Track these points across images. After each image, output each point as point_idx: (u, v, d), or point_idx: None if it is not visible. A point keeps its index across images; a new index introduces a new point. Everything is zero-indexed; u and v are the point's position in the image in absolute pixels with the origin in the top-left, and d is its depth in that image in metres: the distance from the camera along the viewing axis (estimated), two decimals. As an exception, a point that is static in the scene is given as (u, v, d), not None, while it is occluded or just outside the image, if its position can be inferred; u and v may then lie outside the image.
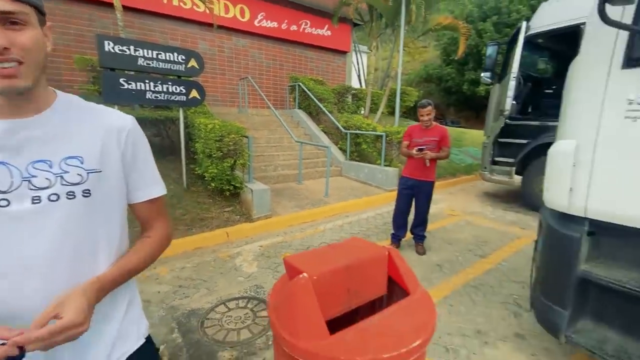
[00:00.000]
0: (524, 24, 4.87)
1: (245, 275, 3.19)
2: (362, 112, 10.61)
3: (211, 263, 3.46)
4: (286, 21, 10.09)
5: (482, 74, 5.72)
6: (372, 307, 1.37)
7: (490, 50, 5.55)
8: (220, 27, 8.76)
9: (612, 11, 1.32)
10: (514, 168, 5.47)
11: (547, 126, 4.99)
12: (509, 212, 5.46)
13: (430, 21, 8.58)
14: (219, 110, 8.34)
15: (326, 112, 8.00)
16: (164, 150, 5.74)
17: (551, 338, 2.24)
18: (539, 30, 4.88)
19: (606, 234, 1.61)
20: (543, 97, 6.12)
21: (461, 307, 2.65)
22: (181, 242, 3.73)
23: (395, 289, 1.28)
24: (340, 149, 7.87)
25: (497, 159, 5.75)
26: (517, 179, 5.57)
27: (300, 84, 8.76)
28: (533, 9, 18.42)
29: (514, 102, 5.00)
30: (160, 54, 4.39)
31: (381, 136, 6.65)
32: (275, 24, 9.96)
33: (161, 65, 4.42)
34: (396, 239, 3.77)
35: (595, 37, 1.49)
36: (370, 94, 10.11)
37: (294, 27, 10.26)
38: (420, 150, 3.36)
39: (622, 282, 1.51)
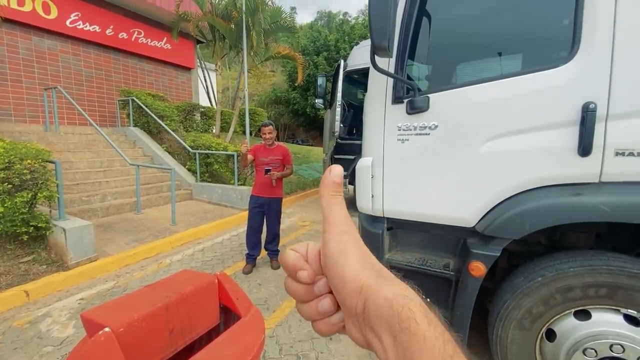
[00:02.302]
0: (341, 62, 5.92)
1: (55, 342, 2.45)
2: (214, 131, 10.26)
3: (-4, 339, 2.50)
4: (112, 27, 8.71)
5: (316, 100, 6.57)
6: (209, 339, 1.30)
7: (320, 81, 6.46)
8: (8, 20, 6.74)
9: (381, 61, 1.77)
10: (347, 179, 6.46)
11: (367, 144, 6.18)
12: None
13: (271, 49, 9.25)
14: (12, 128, 6.33)
15: (169, 130, 7.30)
16: None
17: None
18: (353, 68, 6.04)
19: (398, 227, 2.10)
20: (360, 121, 7.58)
21: (311, 312, 2.86)
22: None
23: (231, 315, 1.26)
24: (190, 170, 7.32)
25: (335, 172, 6.66)
26: (351, 188, 6.61)
27: (135, 98, 7.69)
28: (352, 47, 22.80)
29: (341, 125, 5.96)
30: None
31: (232, 155, 6.59)
32: (96, 28, 8.44)
33: None
34: (251, 258, 3.75)
35: (375, 79, 1.97)
36: (219, 112, 9.90)
37: (123, 35, 8.96)
38: (268, 171, 3.51)
39: (411, 263, 2.00)
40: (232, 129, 9.74)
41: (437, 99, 1.74)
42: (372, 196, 2.02)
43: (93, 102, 8.65)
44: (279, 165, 3.65)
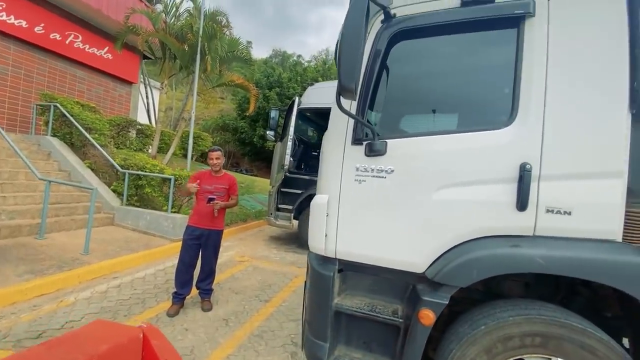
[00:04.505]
0: (296, 99, 6.07)
1: None
2: (149, 150, 9.44)
3: None
4: (43, 25, 7.82)
5: (267, 132, 6.54)
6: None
7: (273, 114, 6.50)
8: None
9: (345, 103, 1.79)
10: (292, 214, 6.34)
11: (315, 180, 6.24)
12: (289, 253, 6.16)
13: (225, 76, 9.14)
14: None
15: (96, 144, 6.49)
16: None
17: (318, 370, 2.51)
18: (306, 107, 6.22)
19: (349, 270, 2.03)
20: (311, 157, 7.71)
21: (245, 363, 2.55)
22: None
23: (155, 379, 1.01)
24: (115, 191, 6.48)
25: (280, 205, 6.50)
26: (295, 222, 6.48)
27: (58, 105, 6.77)
28: (303, 88, 23.83)
29: (291, 158, 5.95)
30: None
31: (169, 179, 6.04)
32: (23, 23, 7.49)
33: None
34: (179, 298, 3.29)
35: (336, 120, 1.99)
36: (159, 132, 9.21)
37: (55, 36, 8.08)
38: (211, 200, 3.22)
39: (360, 308, 1.91)
40: (171, 151, 9.07)
41: (394, 145, 1.81)
42: (326, 235, 1.95)
43: (2, 103, 7.40)
44: (224, 195, 3.41)
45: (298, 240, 6.60)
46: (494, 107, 1.78)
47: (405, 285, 1.96)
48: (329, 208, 1.94)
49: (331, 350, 1.95)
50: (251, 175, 20.49)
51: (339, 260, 1.97)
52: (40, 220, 4.74)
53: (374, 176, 1.84)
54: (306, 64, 31.00)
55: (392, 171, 1.80)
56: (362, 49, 1.52)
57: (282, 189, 6.42)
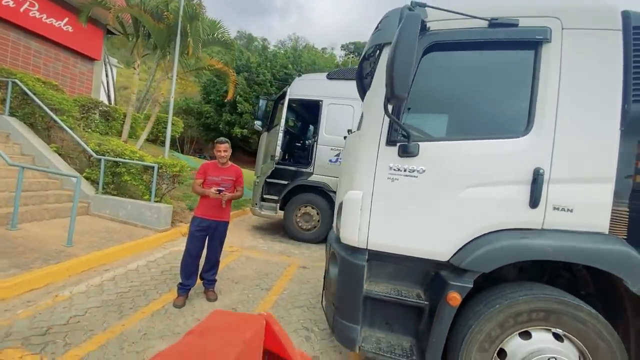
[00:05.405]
0: (288, 89, 6.05)
1: None
2: (114, 134, 8.83)
3: None
4: (-7, -11, 6.90)
5: (255, 122, 6.46)
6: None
7: (261, 103, 6.42)
8: None
9: (377, 106, 1.94)
10: (278, 204, 6.40)
11: (301, 171, 6.34)
12: (276, 243, 6.25)
13: (203, 60, 8.75)
14: None
15: (66, 128, 5.98)
16: None
17: (337, 350, 2.73)
18: (293, 97, 6.22)
19: (374, 259, 2.23)
20: (294, 148, 7.75)
21: (265, 348, 2.67)
22: None
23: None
24: (88, 178, 6.06)
25: (265, 196, 6.53)
26: (281, 213, 6.56)
27: (18, 81, 6.09)
28: (273, 75, 23.27)
29: (281, 150, 5.98)
30: None
31: (151, 167, 5.77)
32: (-34, -16, 6.54)
33: None
34: (185, 289, 3.29)
35: (371, 121, 2.14)
36: (130, 114, 8.63)
37: (8, 3, 7.16)
38: (219, 191, 3.23)
39: (389, 293, 2.13)
40: (144, 136, 8.58)
41: (426, 147, 2.01)
42: (359, 228, 2.12)
43: (-58, 74, 6.47)
44: (231, 187, 3.42)
45: (283, 229, 6.70)
46: (513, 118, 2.04)
47: (424, 272, 2.21)
48: (363, 203, 2.10)
49: (361, 333, 2.15)
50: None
51: (369, 250, 2.16)
52: (8, 210, 4.36)
53: (406, 175, 2.04)
54: (272, 48, 30.20)
55: (424, 171, 2.01)
56: (414, 60, 1.68)
57: (268, 180, 6.44)
